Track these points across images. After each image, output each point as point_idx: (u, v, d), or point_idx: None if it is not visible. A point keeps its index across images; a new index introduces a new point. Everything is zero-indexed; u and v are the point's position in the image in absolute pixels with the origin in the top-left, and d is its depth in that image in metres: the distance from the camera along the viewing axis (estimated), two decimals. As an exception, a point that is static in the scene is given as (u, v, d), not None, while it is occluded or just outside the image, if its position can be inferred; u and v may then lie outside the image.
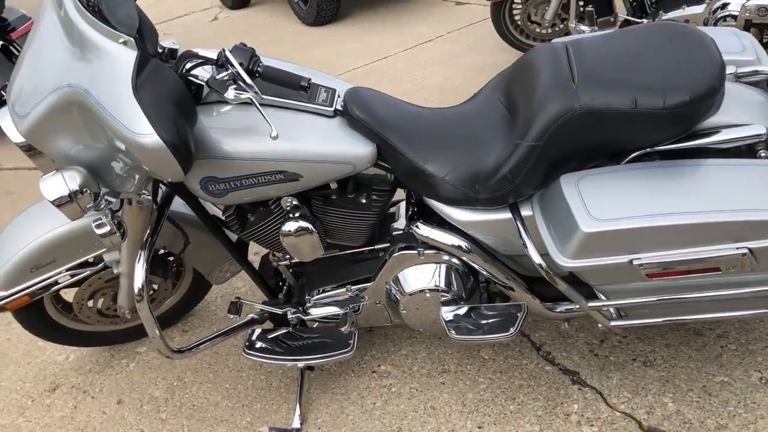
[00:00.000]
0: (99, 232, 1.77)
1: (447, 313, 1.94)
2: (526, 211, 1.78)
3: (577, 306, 1.88)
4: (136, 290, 1.90)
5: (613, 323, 1.79)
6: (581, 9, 3.82)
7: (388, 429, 2.04)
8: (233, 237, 2.13)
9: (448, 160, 1.80)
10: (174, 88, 1.59)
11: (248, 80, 1.60)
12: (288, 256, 2.10)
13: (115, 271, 2.16)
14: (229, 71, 1.61)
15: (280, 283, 2.28)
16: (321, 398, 2.18)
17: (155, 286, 2.40)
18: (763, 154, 1.68)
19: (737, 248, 1.55)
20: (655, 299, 1.71)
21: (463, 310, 1.94)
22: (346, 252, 2.09)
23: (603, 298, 1.77)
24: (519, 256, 1.87)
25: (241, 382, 2.30)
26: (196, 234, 2.18)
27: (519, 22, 4.31)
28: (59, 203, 1.63)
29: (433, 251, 1.93)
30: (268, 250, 2.17)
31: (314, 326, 2.16)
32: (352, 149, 1.79)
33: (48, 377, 2.45)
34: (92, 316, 2.37)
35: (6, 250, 2.10)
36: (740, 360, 2.02)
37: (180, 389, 2.32)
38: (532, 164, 1.67)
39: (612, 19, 3.92)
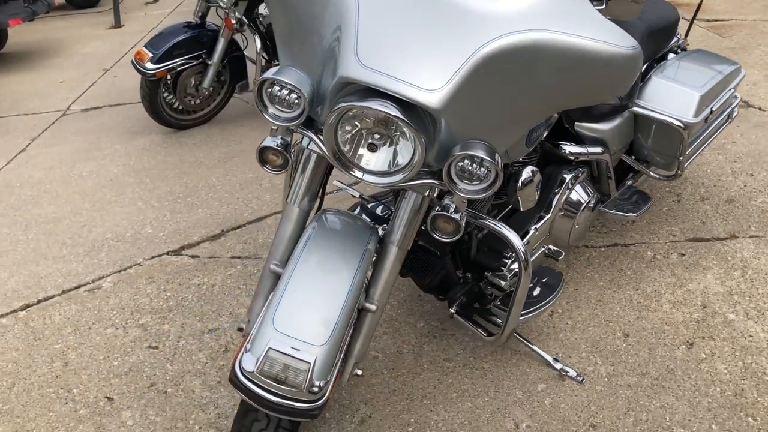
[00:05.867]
0: None
1: (609, 209, 2.44)
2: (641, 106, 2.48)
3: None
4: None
5: (687, 164, 2.67)
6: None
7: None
8: None
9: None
10: None
11: None
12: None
13: None
14: None
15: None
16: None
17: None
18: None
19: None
20: (706, 136, 2.71)
21: (617, 201, 2.48)
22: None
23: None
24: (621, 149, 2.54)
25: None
26: None
27: (173, 101, 4.31)
28: None
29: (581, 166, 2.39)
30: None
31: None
32: None
33: None
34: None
35: None
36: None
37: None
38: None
39: (245, 83, 4.50)
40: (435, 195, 1.69)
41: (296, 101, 1.53)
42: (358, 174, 1.56)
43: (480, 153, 1.45)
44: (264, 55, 4.22)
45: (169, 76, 4.16)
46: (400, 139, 1.50)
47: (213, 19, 4.26)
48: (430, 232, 1.67)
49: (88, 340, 2.49)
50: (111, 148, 4.25)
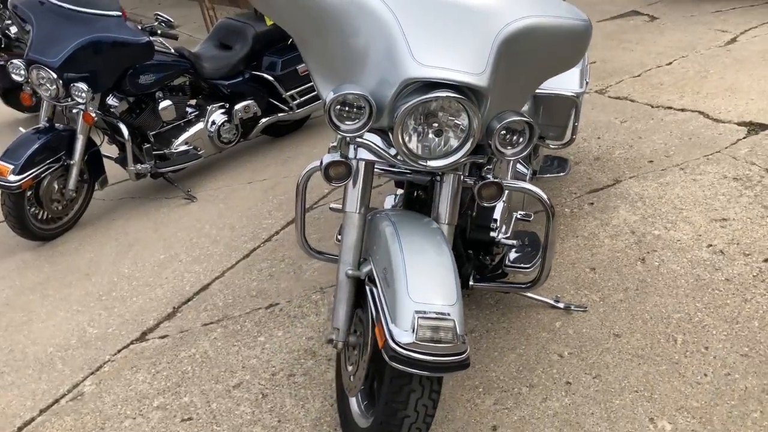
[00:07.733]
0: None
1: (544, 174, 2.89)
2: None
3: None
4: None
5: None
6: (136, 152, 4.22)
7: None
8: None
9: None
10: None
11: None
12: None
13: None
14: None
15: None
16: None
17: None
18: None
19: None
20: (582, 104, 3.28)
21: (545, 168, 2.92)
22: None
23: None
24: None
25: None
26: None
27: (37, 211, 4.07)
28: None
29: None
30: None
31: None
32: None
33: None
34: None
35: None
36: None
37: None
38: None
39: (104, 177, 4.42)
40: (467, 174, 2.00)
41: (361, 112, 1.75)
42: (423, 162, 1.82)
43: (515, 117, 1.78)
44: (129, 139, 4.18)
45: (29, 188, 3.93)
46: (455, 117, 1.78)
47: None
48: (478, 201, 1.97)
49: (110, 439, 2.35)
50: (-22, 277, 3.87)
